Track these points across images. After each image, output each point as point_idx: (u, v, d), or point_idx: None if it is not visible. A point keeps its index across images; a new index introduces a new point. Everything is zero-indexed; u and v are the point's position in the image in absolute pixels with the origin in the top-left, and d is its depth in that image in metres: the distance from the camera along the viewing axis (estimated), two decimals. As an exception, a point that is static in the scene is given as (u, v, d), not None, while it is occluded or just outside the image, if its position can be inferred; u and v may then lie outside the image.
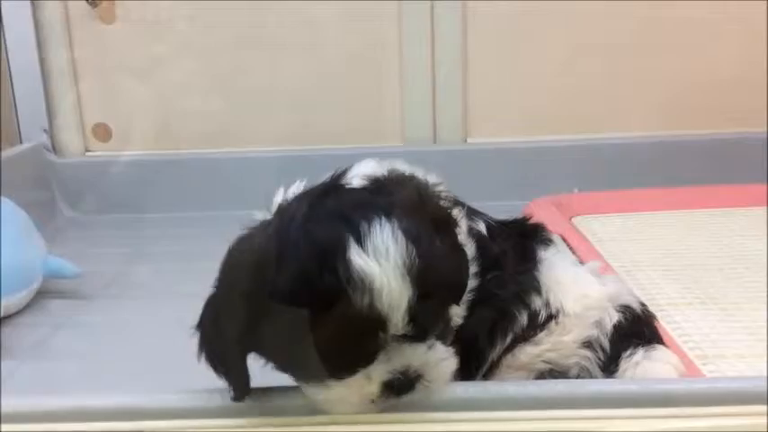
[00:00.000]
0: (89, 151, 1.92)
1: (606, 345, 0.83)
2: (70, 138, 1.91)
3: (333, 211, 0.67)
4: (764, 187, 1.66)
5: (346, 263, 0.63)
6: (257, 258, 0.67)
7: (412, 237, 0.66)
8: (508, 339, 0.83)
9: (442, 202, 0.77)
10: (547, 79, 1.88)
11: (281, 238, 0.67)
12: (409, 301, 0.64)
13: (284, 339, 0.67)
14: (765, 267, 1.31)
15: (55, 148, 1.90)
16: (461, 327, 0.80)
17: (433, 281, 0.66)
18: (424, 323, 0.66)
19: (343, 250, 0.64)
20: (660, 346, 0.85)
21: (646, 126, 1.88)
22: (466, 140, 1.91)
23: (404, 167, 0.83)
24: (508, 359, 0.84)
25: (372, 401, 0.68)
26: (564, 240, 0.94)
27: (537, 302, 0.84)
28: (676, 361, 0.84)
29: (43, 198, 1.81)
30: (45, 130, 1.88)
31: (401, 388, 0.67)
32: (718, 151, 1.82)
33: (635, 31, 1.83)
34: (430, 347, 0.68)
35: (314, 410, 0.69)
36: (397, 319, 0.64)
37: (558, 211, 1.55)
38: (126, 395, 0.72)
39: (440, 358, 0.69)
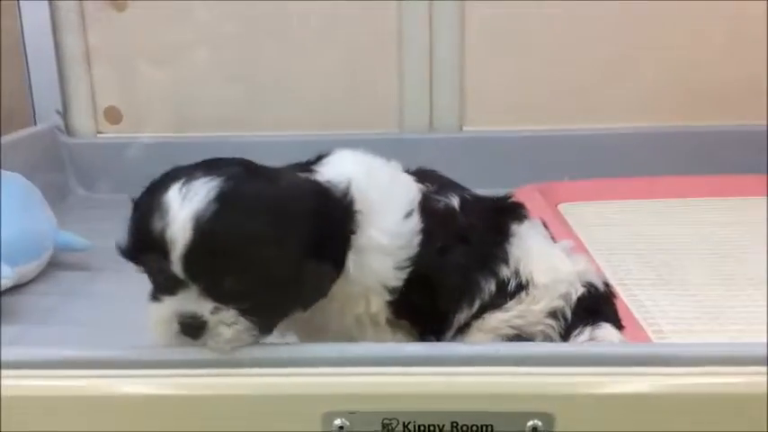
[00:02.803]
0: (100, 133, 1.97)
1: (569, 315, 0.89)
2: (83, 120, 1.95)
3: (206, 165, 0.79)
4: (753, 178, 1.68)
5: (165, 191, 0.74)
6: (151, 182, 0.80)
7: (226, 200, 0.73)
8: (476, 305, 0.87)
9: (335, 211, 0.79)
10: (543, 69, 1.89)
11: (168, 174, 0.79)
12: (188, 245, 0.71)
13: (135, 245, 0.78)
14: (740, 255, 1.36)
15: (68, 130, 1.95)
16: (408, 290, 0.83)
17: (221, 245, 0.72)
18: (201, 276, 0.73)
19: (173, 184, 0.74)
20: (606, 325, 0.90)
21: (642, 117, 1.89)
22: (462, 129, 1.93)
23: (375, 161, 0.89)
24: (478, 323, 0.88)
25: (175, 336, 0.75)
26: (545, 225, 0.98)
27: (505, 272, 0.88)
28: (618, 339, 0.90)
29: (56, 177, 1.86)
30: (58, 112, 1.92)
31: (186, 330, 0.74)
32: (716, 143, 1.84)
33: (631, 22, 1.85)
34: (217, 308, 0.74)
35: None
36: (176, 257, 0.72)
37: (543, 198, 1.57)
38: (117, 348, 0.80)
39: (221, 321, 0.74)
